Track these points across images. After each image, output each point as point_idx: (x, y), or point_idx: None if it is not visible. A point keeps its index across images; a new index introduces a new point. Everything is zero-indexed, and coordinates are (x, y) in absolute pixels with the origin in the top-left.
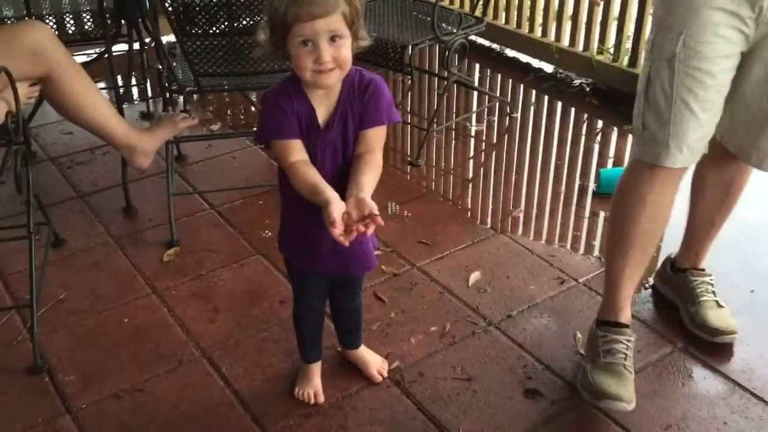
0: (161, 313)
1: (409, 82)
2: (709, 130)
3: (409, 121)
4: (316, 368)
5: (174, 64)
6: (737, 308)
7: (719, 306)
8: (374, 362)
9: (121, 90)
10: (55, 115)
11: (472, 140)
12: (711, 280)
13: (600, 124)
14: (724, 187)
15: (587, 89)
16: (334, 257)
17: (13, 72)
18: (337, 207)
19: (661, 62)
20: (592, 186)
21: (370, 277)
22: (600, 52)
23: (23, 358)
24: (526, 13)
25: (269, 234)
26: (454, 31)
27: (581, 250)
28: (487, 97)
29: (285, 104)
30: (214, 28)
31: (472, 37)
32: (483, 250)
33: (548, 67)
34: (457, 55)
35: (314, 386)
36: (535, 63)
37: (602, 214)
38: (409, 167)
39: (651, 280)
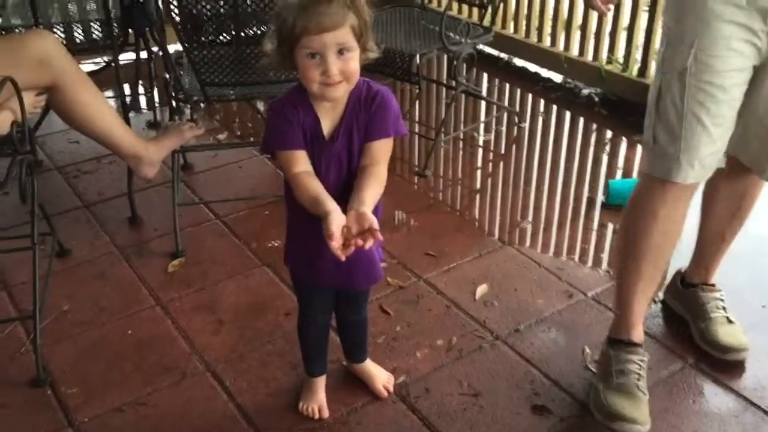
0: (165, 325)
1: (417, 91)
2: (721, 145)
3: (416, 131)
4: (321, 382)
5: (181, 73)
6: (748, 324)
7: (730, 322)
8: (380, 377)
9: (128, 99)
10: (62, 123)
11: (480, 150)
12: (721, 295)
13: (609, 134)
14: (735, 200)
15: (596, 99)
16: (337, 270)
17: (20, 81)
18: (336, 220)
19: (672, 76)
20: (600, 197)
21: (376, 289)
22: (609, 61)
23: (26, 371)
24: (535, 22)
25: (275, 244)
26: (462, 40)
27: (590, 263)
28: (495, 106)
29: (290, 114)
30: (221, 38)
31: (480, 47)
32: (490, 262)
33: (557, 77)
34: (465, 65)
35: (318, 401)
36: (544, 73)
37: (611, 226)
38: (416, 177)
39: (661, 295)
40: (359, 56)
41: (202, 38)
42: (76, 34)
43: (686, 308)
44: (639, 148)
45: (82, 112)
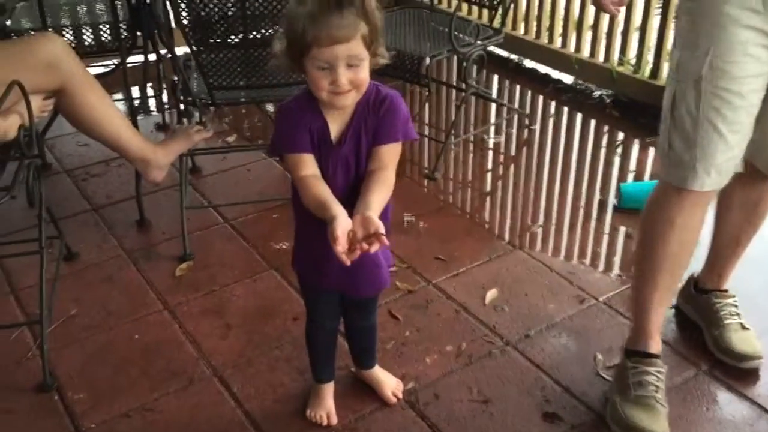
0: (173, 330)
1: (426, 93)
2: (738, 152)
3: (426, 133)
4: (329, 389)
5: (195, 75)
6: (762, 329)
7: (744, 328)
8: (389, 383)
9: (136, 101)
10: (72, 126)
11: (490, 153)
12: (735, 301)
13: (621, 136)
14: (751, 205)
15: (607, 101)
16: (343, 275)
17: (28, 85)
18: (341, 224)
19: (687, 84)
20: (612, 200)
21: (385, 294)
22: (621, 63)
23: (33, 376)
24: (546, 23)
25: (283, 246)
26: (472, 42)
27: (601, 267)
28: (505, 108)
29: (298, 117)
30: (228, 40)
31: (490, 48)
32: (500, 266)
33: (568, 79)
34: (475, 67)
35: (326, 407)
36: (555, 74)
37: (623, 229)
38: (425, 180)
39: (674, 300)
40: (370, 62)
41: (210, 40)
42: (85, 36)
43: (699, 314)
44: (651, 151)
45: (90, 115)
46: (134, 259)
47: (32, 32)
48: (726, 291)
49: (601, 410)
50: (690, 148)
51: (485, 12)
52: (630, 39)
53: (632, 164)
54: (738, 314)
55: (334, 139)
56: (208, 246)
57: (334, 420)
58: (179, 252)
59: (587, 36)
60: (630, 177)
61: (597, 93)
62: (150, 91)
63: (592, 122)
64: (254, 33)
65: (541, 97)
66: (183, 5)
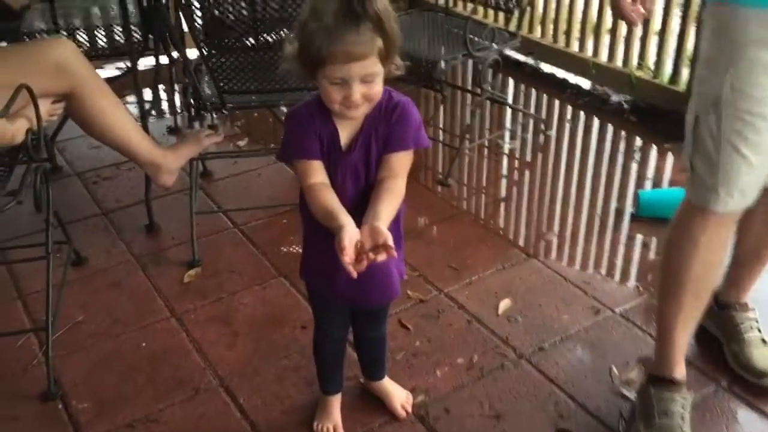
0: (179, 338)
1: (441, 98)
2: (762, 173)
3: (440, 138)
4: (336, 401)
5: (206, 78)
6: None
7: (765, 343)
8: (398, 396)
9: (147, 105)
10: (81, 130)
11: (505, 158)
12: (755, 315)
13: (639, 142)
14: None
15: (626, 106)
16: (351, 284)
17: (36, 88)
18: (349, 234)
19: (708, 104)
20: (630, 209)
21: (396, 303)
22: (639, 67)
23: (38, 383)
24: (563, 26)
25: (293, 250)
26: (488, 45)
27: (617, 278)
28: (521, 113)
29: (308, 124)
30: (239, 43)
31: (506, 52)
32: (514, 275)
33: (585, 83)
34: (490, 71)
35: (334, 420)
36: (572, 78)
37: (640, 238)
38: (439, 186)
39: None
40: (384, 74)
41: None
42: (98, 39)
43: (720, 329)
44: (670, 157)
45: (100, 119)
46: (143, 265)
47: (45, 34)
48: (746, 305)
49: (616, 427)
50: (712, 170)
51: (501, 15)
52: (649, 43)
53: (650, 171)
54: (759, 329)
55: (344, 146)
56: (217, 251)
57: None
58: (188, 257)
59: (605, 40)
60: (648, 184)
61: (615, 98)
62: (162, 95)
63: (610, 128)
64: (266, 36)
65: (557, 102)
66: (195, 6)
